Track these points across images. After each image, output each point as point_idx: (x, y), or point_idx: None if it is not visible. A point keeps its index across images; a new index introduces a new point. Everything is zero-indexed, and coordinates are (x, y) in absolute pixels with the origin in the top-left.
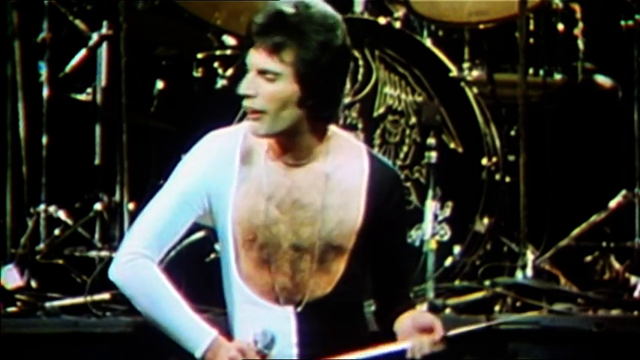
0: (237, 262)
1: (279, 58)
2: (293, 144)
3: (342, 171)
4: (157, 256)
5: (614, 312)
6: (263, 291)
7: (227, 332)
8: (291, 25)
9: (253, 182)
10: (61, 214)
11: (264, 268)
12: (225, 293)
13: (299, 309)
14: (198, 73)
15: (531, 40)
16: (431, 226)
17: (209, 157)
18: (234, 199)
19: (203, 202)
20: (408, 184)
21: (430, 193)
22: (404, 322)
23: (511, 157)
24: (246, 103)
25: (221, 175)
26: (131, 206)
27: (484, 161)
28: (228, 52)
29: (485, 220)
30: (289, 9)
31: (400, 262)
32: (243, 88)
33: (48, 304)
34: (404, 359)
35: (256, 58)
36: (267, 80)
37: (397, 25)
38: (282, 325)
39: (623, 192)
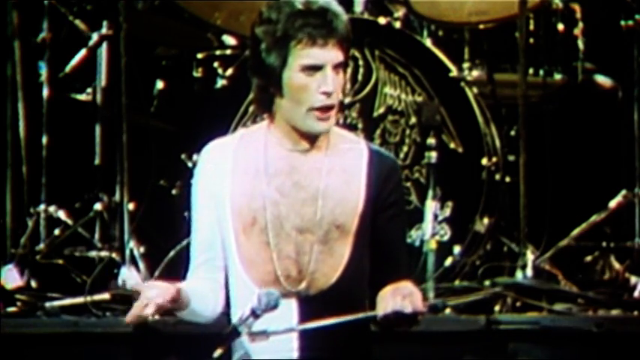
0: (238, 250)
1: (345, 50)
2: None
3: (342, 155)
4: (217, 269)
5: (614, 312)
6: (265, 280)
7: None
8: (339, 18)
9: (250, 171)
10: (61, 214)
11: (267, 252)
12: (229, 286)
13: (302, 297)
14: (198, 73)
15: (531, 40)
16: (431, 226)
17: (204, 169)
18: (230, 188)
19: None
20: (408, 184)
21: (430, 193)
22: (386, 289)
23: (511, 157)
24: (326, 101)
25: (216, 177)
26: (131, 206)
27: (484, 161)
28: (228, 52)
29: (485, 220)
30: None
31: (395, 249)
32: (329, 86)
33: (48, 304)
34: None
35: (329, 53)
36: (337, 73)
37: (397, 25)
38: (284, 316)
39: (623, 192)
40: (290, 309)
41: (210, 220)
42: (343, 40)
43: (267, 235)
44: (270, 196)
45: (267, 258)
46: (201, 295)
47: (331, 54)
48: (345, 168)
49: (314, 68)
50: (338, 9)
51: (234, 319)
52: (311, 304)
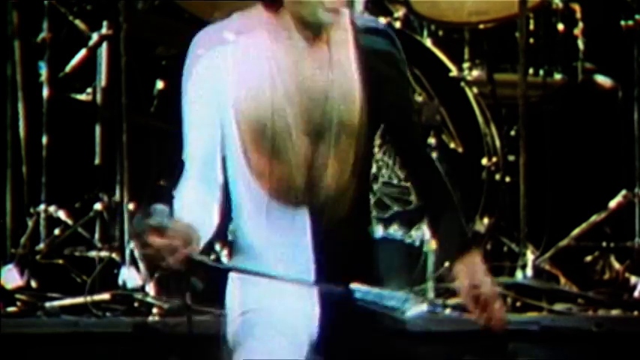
0: (246, 157)
1: None
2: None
3: (340, 45)
4: (215, 184)
5: (614, 312)
6: (277, 190)
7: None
8: None
9: (254, 73)
10: (61, 214)
11: (276, 163)
12: (236, 196)
13: (314, 206)
14: None
15: (531, 40)
16: None
17: (201, 68)
18: (236, 93)
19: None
20: (409, 184)
21: None
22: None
23: (511, 157)
24: None
25: (219, 84)
26: (131, 206)
27: (484, 161)
28: None
29: (485, 220)
30: None
31: (418, 134)
32: None
33: (48, 304)
34: None
35: None
36: None
37: (397, 25)
38: (298, 225)
39: (623, 192)
40: (303, 218)
41: (209, 130)
42: None
43: (277, 141)
44: (278, 98)
45: (277, 169)
46: (203, 203)
47: None
48: (339, 59)
49: None
50: None
51: (242, 224)
52: (322, 211)
